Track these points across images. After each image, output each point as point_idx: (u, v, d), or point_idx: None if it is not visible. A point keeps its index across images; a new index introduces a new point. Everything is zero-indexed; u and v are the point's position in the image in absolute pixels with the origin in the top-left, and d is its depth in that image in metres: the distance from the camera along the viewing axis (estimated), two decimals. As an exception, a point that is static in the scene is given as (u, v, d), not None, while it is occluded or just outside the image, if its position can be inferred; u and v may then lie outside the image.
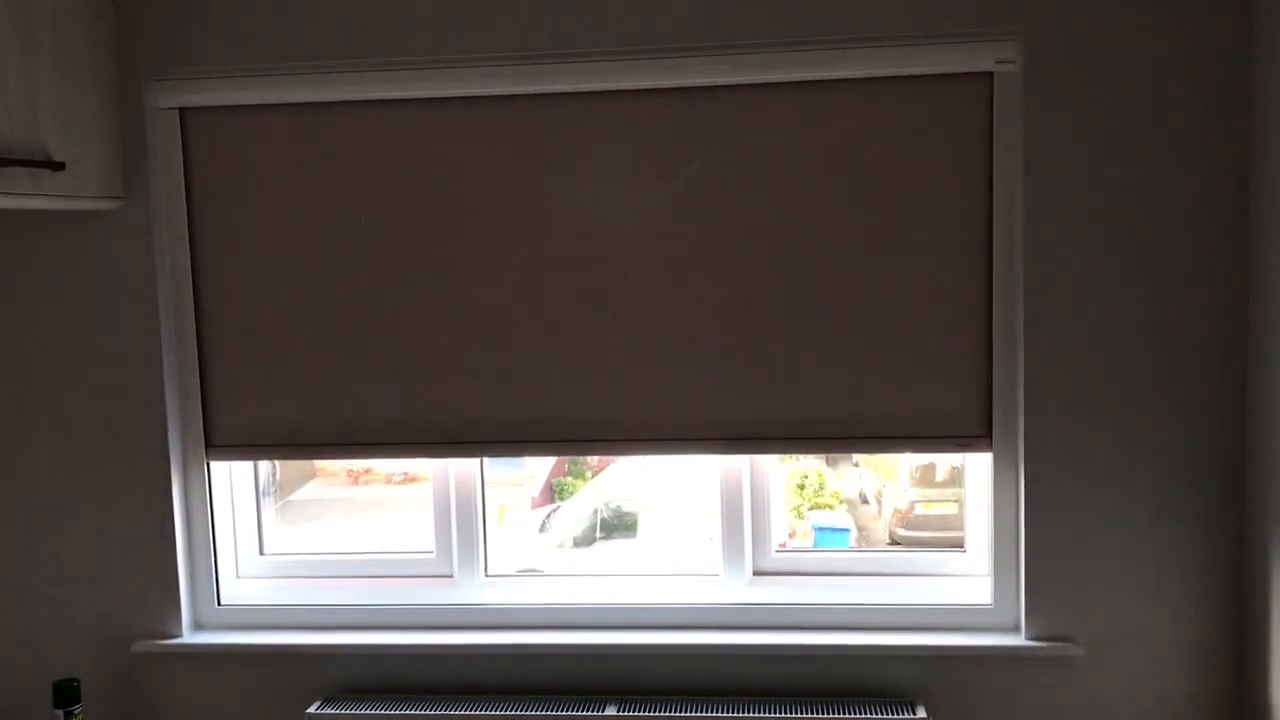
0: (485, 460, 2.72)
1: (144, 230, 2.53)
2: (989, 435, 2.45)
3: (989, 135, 2.37)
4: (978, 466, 2.57)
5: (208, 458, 2.64)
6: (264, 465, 2.84)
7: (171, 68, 2.49)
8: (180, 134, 2.56)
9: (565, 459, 5.32)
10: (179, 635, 2.64)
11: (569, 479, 5.36)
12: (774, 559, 2.65)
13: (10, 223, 2.55)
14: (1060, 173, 2.33)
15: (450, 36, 2.42)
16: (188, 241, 2.58)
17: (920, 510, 4.63)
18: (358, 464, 3.53)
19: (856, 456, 5.37)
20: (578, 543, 4.43)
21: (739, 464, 2.62)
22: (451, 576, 2.70)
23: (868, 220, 2.42)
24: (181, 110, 2.55)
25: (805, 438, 2.53)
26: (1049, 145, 2.33)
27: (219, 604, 2.70)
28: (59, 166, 2.18)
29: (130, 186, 2.51)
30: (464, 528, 2.68)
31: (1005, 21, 2.31)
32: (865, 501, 5.30)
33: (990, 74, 2.36)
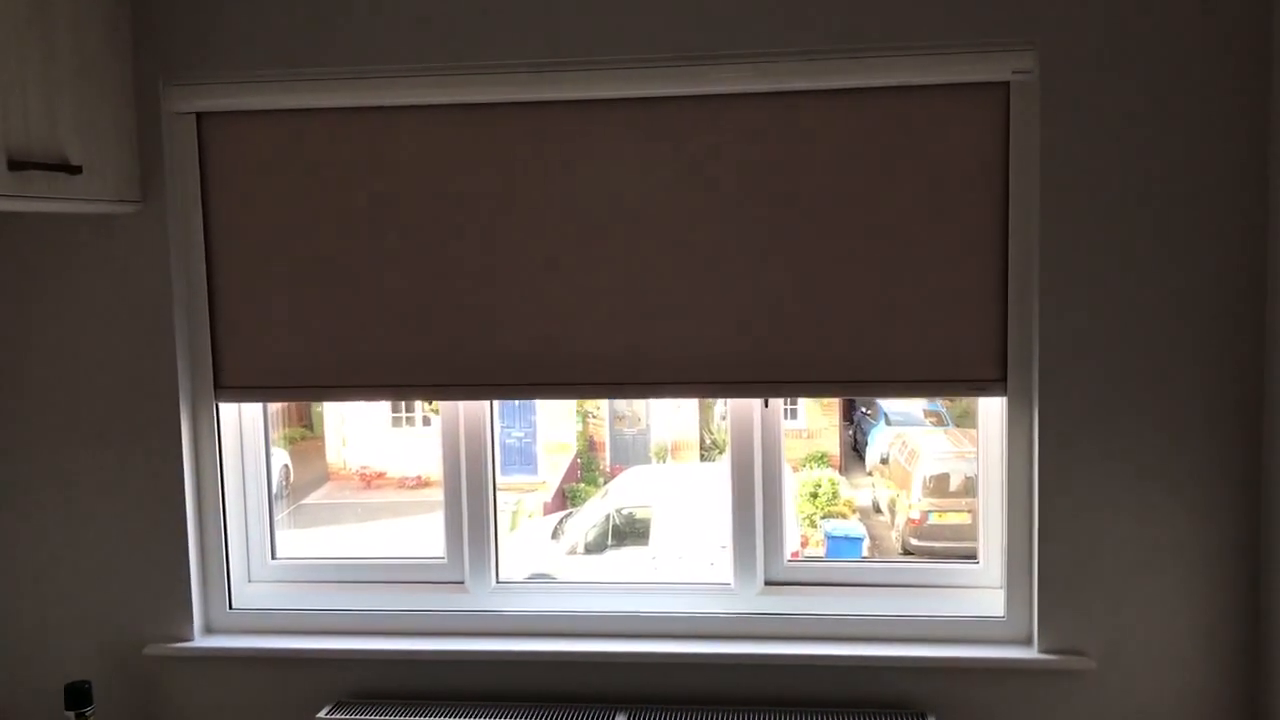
0: (499, 463, 2.71)
1: (160, 233, 2.54)
2: (1004, 379, 2.45)
3: (1005, 140, 2.38)
4: (990, 474, 2.56)
5: (217, 399, 2.64)
6: (277, 470, 2.84)
7: (188, 73, 2.50)
8: (196, 139, 2.56)
9: (578, 466, 5.33)
10: (190, 639, 2.65)
11: (582, 485, 5.37)
12: (786, 569, 2.65)
13: (28, 225, 2.56)
14: (1077, 174, 2.33)
15: (469, 44, 2.43)
16: (203, 245, 2.59)
17: (933, 520, 4.63)
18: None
19: (870, 466, 5.37)
20: (590, 549, 4.44)
21: (751, 470, 2.61)
22: (463, 583, 2.70)
23: (885, 213, 2.43)
24: (198, 115, 2.56)
25: (821, 381, 2.51)
26: (1065, 152, 2.32)
27: (230, 608, 2.70)
28: (76, 170, 2.19)
29: (147, 190, 2.52)
30: (475, 535, 2.68)
31: (1022, 32, 2.31)
32: (878, 511, 5.30)
33: (1006, 83, 2.36)
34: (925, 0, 2.32)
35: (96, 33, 2.34)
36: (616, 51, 2.40)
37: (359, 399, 2.67)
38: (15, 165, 2.02)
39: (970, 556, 2.65)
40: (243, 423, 2.72)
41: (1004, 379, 2.45)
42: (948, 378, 2.47)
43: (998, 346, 2.44)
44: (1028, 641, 2.49)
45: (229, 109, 2.55)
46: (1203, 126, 2.29)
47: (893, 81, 2.38)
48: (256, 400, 2.70)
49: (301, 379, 2.63)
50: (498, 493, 2.74)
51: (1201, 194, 2.31)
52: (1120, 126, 2.31)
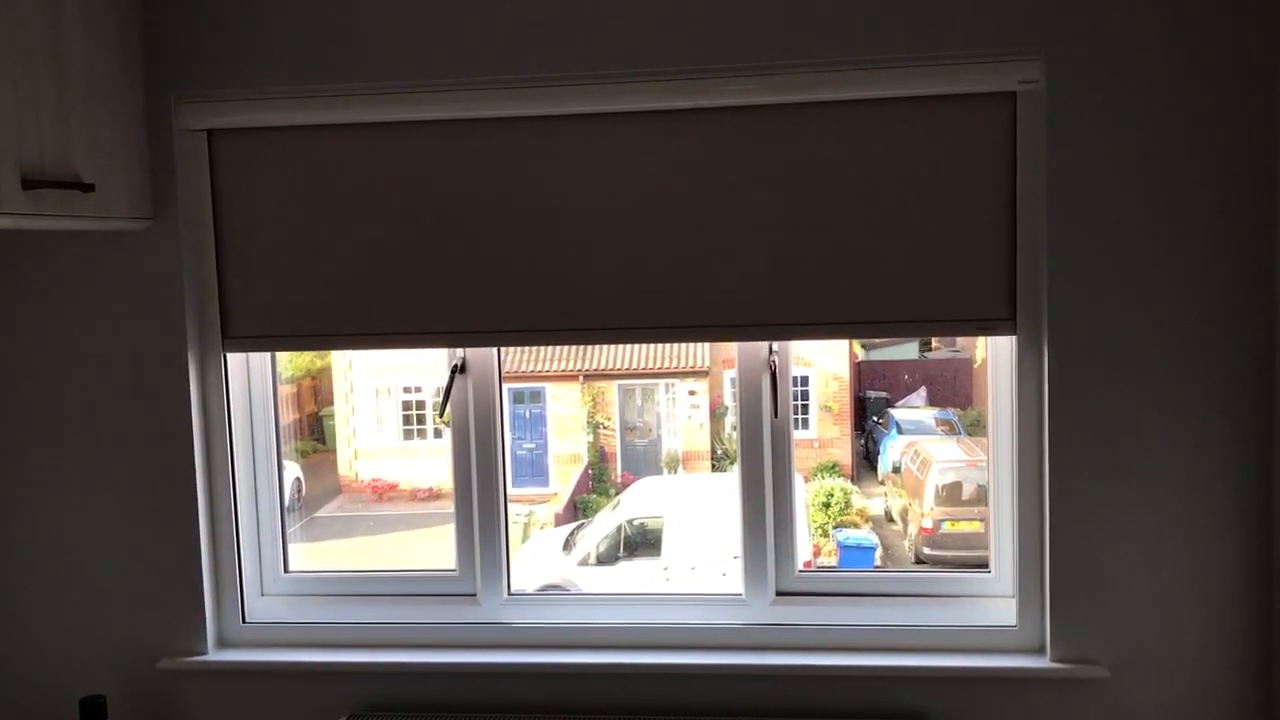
0: (511, 473, 2.71)
1: (172, 249, 2.56)
2: (1013, 318, 2.45)
3: (1012, 146, 2.39)
4: (1001, 482, 2.56)
5: (224, 348, 2.65)
6: (289, 483, 2.85)
7: (199, 90, 2.52)
8: (208, 155, 2.58)
9: (589, 476, 5.34)
10: (204, 652, 2.66)
11: (593, 496, 5.38)
12: (797, 579, 2.64)
13: (42, 240, 2.58)
14: (1084, 184, 2.33)
15: (479, 59, 2.44)
16: (215, 260, 2.61)
17: (946, 529, 4.63)
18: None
19: (882, 475, 5.37)
20: (601, 560, 4.44)
21: (762, 480, 2.61)
22: (474, 595, 2.70)
23: (890, 196, 2.44)
24: (209, 132, 2.57)
25: (830, 323, 2.51)
26: (1072, 159, 2.33)
27: (244, 621, 2.71)
28: (89, 188, 2.21)
29: (159, 207, 2.54)
30: (487, 547, 2.69)
31: (1028, 42, 2.32)
32: (891, 520, 5.30)
33: (1013, 93, 2.37)
34: (931, 12, 2.33)
35: (108, 52, 2.36)
36: (623, 66, 2.41)
37: (368, 347, 2.68)
38: (29, 184, 2.03)
39: (983, 565, 2.64)
40: (255, 435, 2.73)
41: (1013, 318, 2.45)
42: (957, 317, 2.48)
43: (1006, 286, 2.44)
44: (1040, 651, 2.49)
45: (240, 126, 2.56)
46: (1210, 132, 2.30)
47: (899, 93, 2.39)
48: (265, 350, 2.71)
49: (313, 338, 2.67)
50: (509, 504, 2.75)
51: (1209, 194, 2.31)
52: (1128, 136, 2.31)
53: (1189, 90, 2.29)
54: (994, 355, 2.55)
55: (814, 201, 2.45)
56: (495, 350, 2.66)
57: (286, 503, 2.84)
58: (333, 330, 2.63)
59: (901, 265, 2.45)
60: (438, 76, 2.46)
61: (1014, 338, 2.46)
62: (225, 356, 2.65)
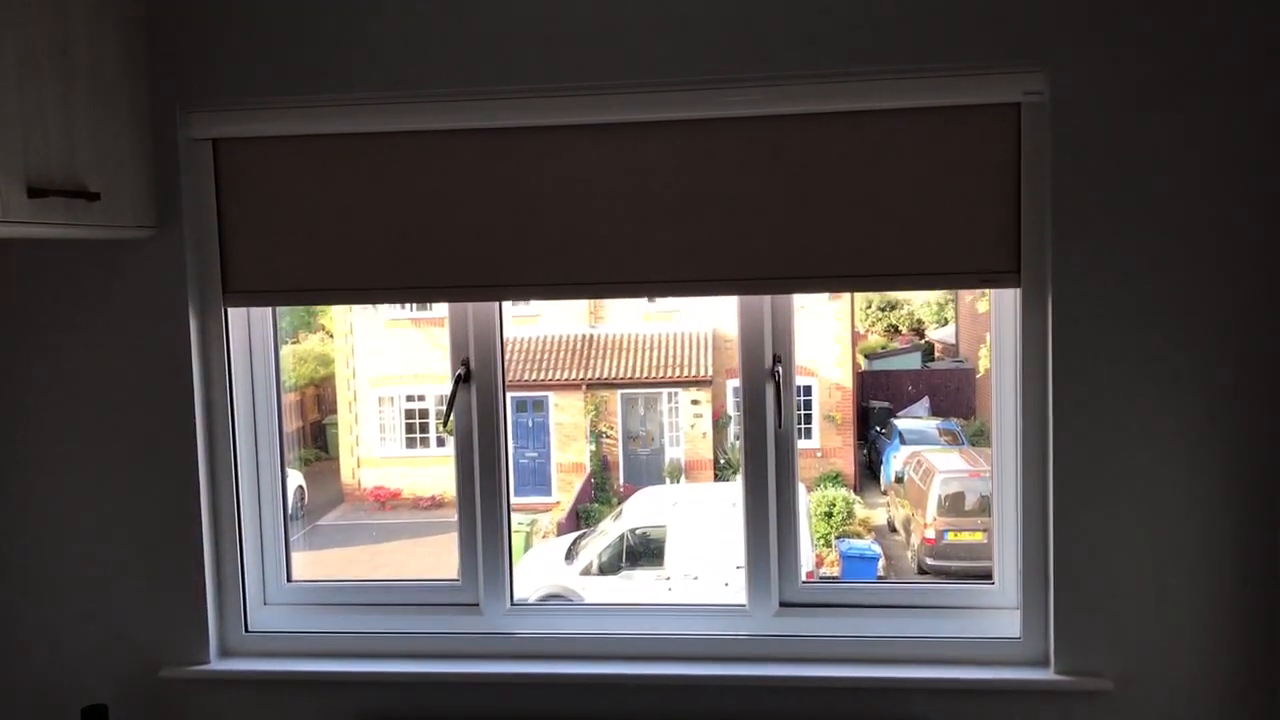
0: (513, 482, 2.72)
1: (177, 258, 2.56)
2: (1017, 270, 2.44)
3: (1017, 155, 2.40)
4: (1005, 492, 2.55)
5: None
6: (292, 492, 2.85)
7: (204, 100, 2.53)
8: (213, 165, 2.59)
9: (592, 485, 5.34)
10: (206, 661, 2.65)
11: (596, 505, 5.39)
12: (800, 590, 2.64)
13: (47, 250, 2.59)
14: (1089, 187, 2.34)
15: (484, 70, 2.44)
16: (219, 270, 2.61)
17: (949, 539, 4.63)
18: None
19: (885, 485, 5.37)
20: (604, 570, 4.44)
21: (765, 490, 2.61)
22: (477, 605, 2.70)
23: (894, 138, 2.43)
24: (214, 141, 2.58)
25: (830, 275, 2.50)
26: (1077, 168, 2.33)
27: (246, 630, 2.71)
28: (94, 197, 2.22)
29: (164, 216, 2.55)
30: (490, 557, 2.69)
31: (1033, 53, 2.32)
32: (894, 530, 5.31)
33: (1018, 104, 2.37)
34: (936, 23, 2.33)
35: (114, 61, 2.36)
36: (628, 78, 2.42)
37: (369, 301, 2.68)
38: (35, 193, 2.04)
39: (987, 576, 2.64)
40: (259, 443, 2.73)
41: (1017, 270, 2.44)
42: (960, 270, 2.47)
43: (1010, 238, 2.43)
44: (1044, 663, 2.48)
45: (246, 135, 2.57)
46: (1212, 139, 2.30)
47: (904, 104, 2.39)
48: (265, 305, 2.71)
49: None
50: (512, 514, 2.74)
51: (1213, 203, 2.31)
52: (1130, 148, 2.31)
53: (1191, 99, 2.29)
54: (998, 364, 2.55)
55: (818, 194, 2.45)
56: (499, 357, 2.66)
57: (289, 511, 2.84)
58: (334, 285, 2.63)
59: (906, 247, 2.45)
60: (441, 87, 2.46)
61: (1018, 292, 2.46)
62: (230, 364, 2.65)
